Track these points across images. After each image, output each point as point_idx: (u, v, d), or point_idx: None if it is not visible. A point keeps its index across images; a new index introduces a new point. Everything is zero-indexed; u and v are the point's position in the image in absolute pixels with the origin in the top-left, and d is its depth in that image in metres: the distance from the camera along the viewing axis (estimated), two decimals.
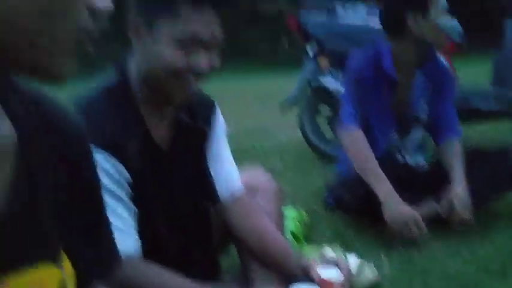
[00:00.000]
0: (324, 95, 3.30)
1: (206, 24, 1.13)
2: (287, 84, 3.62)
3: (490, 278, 1.64)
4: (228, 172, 1.41)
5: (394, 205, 1.89)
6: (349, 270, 1.37)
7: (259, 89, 9.30)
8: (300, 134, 3.63)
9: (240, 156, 3.55)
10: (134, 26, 1.17)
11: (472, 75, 5.25)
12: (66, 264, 0.68)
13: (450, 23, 2.20)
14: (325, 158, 3.39)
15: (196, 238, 1.41)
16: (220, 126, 1.42)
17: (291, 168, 3.30)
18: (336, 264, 1.33)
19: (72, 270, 0.69)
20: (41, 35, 0.52)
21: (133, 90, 1.22)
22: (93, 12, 0.56)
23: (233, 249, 1.63)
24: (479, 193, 2.04)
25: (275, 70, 11.14)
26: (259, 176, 1.69)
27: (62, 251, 0.67)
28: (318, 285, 1.27)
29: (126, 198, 1.17)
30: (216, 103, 1.42)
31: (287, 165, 3.40)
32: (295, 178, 3.03)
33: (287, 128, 4.77)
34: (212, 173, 1.39)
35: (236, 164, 1.46)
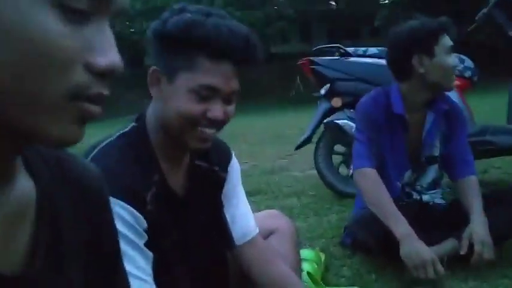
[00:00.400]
0: (338, 134, 3.32)
1: (224, 77, 1.15)
2: (301, 122, 3.66)
3: None
4: (243, 217, 1.42)
5: (412, 245, 1.87)
6: None
7: (274, 127, 9.37)
8: (315, 172, 3.65)
9: (257, 196, 3.60)
10: (153, 75, 1.20)
11: (486, 109, 5.25)
12: None
13: (458, 61, 2.21)
14: (341, 196, 3.39)
15: (213, 284, 1.41)
16: (236, 171, 1.43)
17: (307, 207, 3.29)
18: None
19: None
20: (24, 99, 0.48)
21: (150, 137, 1.25)
22: (96, 71, 0.50)
23: None
24: (498, 231, 2.01)
25: (289, 108, 11.21)
26: (276, 218, 1.70)
27: None
28: None
29: (142, 245, 1.18)
30: (231, 149, 1.44)
31: (303, 204, 3.40)
32: (312, 217, 3.03)
33: (303, 166, 4.79)
34: (228, 219, 1.40)
35: (253, 204, 1.47)
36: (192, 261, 1.32)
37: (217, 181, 1.38)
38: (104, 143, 1.24)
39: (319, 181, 3.67)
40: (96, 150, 1.21)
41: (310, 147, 3.63)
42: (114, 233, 0.80)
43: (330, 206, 3.27)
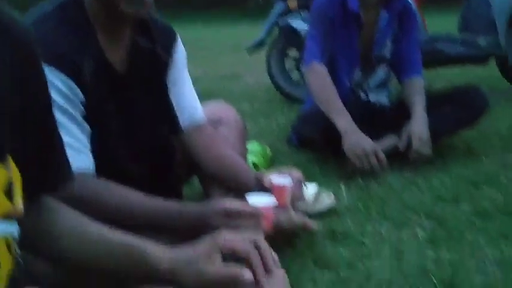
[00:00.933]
0: (292, 36, 3.28)
1: None
2: (258, 34, 3.58)
3: (444, 205, 1.70)
4: (189, 101, 1.41)
5: (354, 136, 1.93)
6: (302, 179, 1.40)
7: (230, 37, 9.20)
8: (269, 80, 3.63)
9: (208, 99, 3.57)
10: None
11: (442, 25, 5.28)
12: (13, 167, 0.68)
13: None
14: (292, 100, 3.41)
15: (157, 166, 1.42)
16: (181, 55, 1.40)
17: (258, 111, 3.31)
18: (289, 174, 1.36)
19: (19, 174, 0.69)
20: None
21: (87, 7, 1.19)
22: None
23: (196, 181, 1.65)
24: (438, 129, 2.09)
25: (246, 20, 10.99)
26: (223, 109, 1.70)
27: (9, 155, 0.67)
28: (270, 190, 1.30)
29: (79, 117, 1.16)
30: (177, 32, 1.40)
31: (254, 108, 3.42)
32: (262, 120, 3.05)
33: (256, 74, 4.77)
34: (174, 103, 1.38)
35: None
36: (135, 141, 1.31)
37: (161, 63, 1.34)
38: (38, 13, 1.18)
39: (271, 87, 3.67)
40: (29, 20, 1.15)
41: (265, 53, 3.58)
42: (46, 95, 0.77)
43: (280, 109, 3.30)
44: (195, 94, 1.44)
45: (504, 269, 1.29)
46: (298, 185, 1.37)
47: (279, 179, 1.33)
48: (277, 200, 1.27)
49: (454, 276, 1.24)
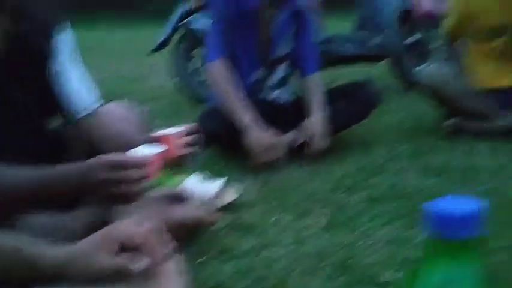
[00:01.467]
0: (195, 36, 3.28)
1: None
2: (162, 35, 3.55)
3: (341, 194, 1.79)
4: (79, 90, 1.39)
5: (255, 132, 1.98)
6: (195, 129, 1.41)
7: (136, 40, 9.03)
8: (174, 82, 3.60)
9: (112, 101, 3.47)
10: None
11: (343, 27, 5.54)
12: None
13: None
14: (197, 101, 3.41)
15: (49, 160, 1.37)
16: (66, 43, 1.38)
17: (162, 112, 3.29)
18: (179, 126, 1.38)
19: None
20: None
21: None
22: None
23: None
24: (334, 123, 2.19)
25: (151, 22, 10.85)
26: (125, 108, 1.67)
27: None
28: (157, 141, 1.30)
29: None
30: (60, 20, 1.37)
31: (159, 109, 3.38)
32: (167, 119, 3.02)
33: (161, 76, 4.71)
34: (62, 93, 1.36)
35: None
36: (8, 131, 1.26)
37: (41, 52, 1.31)
38: None
39: (176, 89, 3.65)
40: None
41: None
42: None
43: (185, 110, 3.29)
44: (87, 80, 1.43)
45: (394, 247, 1.38)
46: (189, 135, 1.39)
47: (168, 130, 1.35)
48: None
49: (347, 258, 1.32)
